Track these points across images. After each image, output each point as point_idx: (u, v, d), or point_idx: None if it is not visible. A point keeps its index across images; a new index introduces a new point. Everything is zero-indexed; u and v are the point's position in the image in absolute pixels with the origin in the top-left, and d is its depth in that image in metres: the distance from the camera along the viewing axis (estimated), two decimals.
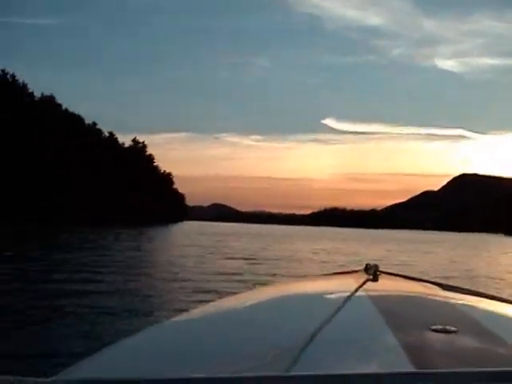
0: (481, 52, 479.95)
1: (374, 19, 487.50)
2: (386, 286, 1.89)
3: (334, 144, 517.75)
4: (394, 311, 1.45)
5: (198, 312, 1.80)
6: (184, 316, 1.76)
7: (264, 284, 7.71)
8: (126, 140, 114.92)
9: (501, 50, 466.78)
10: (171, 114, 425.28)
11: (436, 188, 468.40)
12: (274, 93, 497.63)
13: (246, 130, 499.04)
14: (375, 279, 1.87)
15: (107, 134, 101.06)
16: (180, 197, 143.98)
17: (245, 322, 1.49)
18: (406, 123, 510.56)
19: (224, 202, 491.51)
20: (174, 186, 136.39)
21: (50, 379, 0.84)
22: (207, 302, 2.33)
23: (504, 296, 2.09)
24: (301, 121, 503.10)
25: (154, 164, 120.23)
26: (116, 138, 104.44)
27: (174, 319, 1.70)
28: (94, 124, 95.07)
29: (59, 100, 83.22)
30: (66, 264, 17.49)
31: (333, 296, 1.73)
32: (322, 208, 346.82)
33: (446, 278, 14.82)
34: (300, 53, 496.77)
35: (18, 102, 67.97)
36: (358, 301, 1.54)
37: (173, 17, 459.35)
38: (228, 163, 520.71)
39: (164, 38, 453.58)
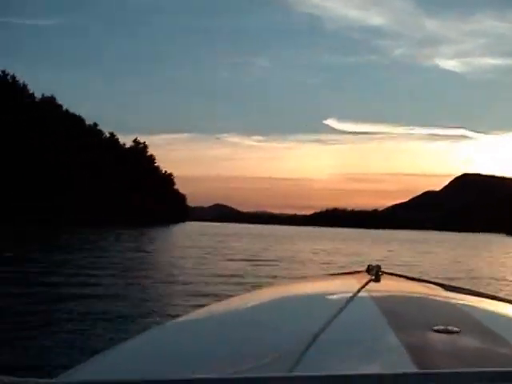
0: (483, 52, 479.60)
1: (375, 19, 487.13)
2: (388, 286, 1.89)
3: (335, 144, 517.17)
4: (397, 312, 1.45)
5: (200, 313, 1.80)
6: (186, 318, 1.76)
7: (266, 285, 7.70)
8: (126, 140, 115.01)
9: (503, 50, 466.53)
10: (172, 114, 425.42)
11: (438, 188, 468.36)
12: (275, 93, 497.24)
13: (246, 130, 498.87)
14: (377, 280, 1.88)
15: (108, 135, 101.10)
16: (181, 197, 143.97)
17: (247, 323, 1.49)
18: (408, 123, 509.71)
19: (225, 203, 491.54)
20: (175, 187, 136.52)
21: (51, 380, 0.85)
22: (209, 303, 2.33)
23: (506, 296, 2.09)
24: (302, 121, 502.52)
25: (155, 164, 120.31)
26: (117, 139, 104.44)
27: (175, 321, 1.70)
28: (95, 125, 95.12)
29: (59, 100, 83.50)
30: (66, 265, 17.47)
31: (335, 297, 1.73)
32: (323, 208, 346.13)
33: (448, 278, 14.79)
34: (300, 53, 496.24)
35: (18, 102, 67.96)
36: (361, 301, 1.55)
37: (173, 17, 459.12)
38: (229, 164, 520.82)
39: (164, 38, 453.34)
